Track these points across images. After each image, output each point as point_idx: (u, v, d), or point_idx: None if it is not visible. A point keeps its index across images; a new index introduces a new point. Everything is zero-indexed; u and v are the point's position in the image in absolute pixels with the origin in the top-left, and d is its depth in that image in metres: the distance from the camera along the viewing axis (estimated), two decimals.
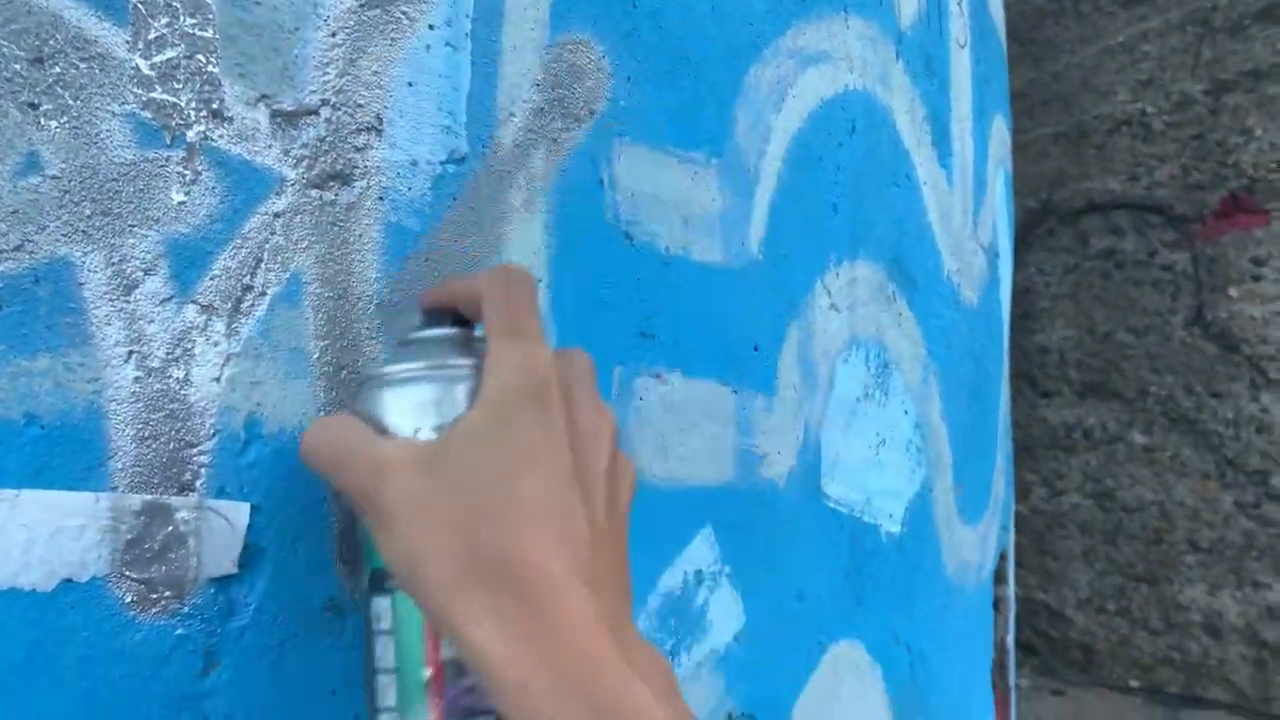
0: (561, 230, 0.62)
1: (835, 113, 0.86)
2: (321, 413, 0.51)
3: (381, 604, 0.42)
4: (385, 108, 0.54)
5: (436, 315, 0.45)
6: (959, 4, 1.13)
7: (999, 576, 1.45)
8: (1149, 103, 3.47)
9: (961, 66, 1.13)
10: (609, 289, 0.64)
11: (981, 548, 1.19)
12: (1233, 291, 3.22)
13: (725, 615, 0.71)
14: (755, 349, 0.76)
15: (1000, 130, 1.36)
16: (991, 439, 1.27)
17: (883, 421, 0.93)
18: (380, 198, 0.54)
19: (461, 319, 0.45)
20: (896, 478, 0.95)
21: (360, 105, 0.53)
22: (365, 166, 0.53)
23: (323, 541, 0.50)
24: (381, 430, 0.42)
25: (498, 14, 0.59)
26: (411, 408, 0.41)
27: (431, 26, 0.56)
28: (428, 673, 0.40)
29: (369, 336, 0.53)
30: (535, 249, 0.60)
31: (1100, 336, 3.49)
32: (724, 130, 0.73)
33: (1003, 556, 1.39)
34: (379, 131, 0.54)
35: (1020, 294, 3.89)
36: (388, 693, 0.41)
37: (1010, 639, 1.46)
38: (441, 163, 0.56)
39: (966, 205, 1.13)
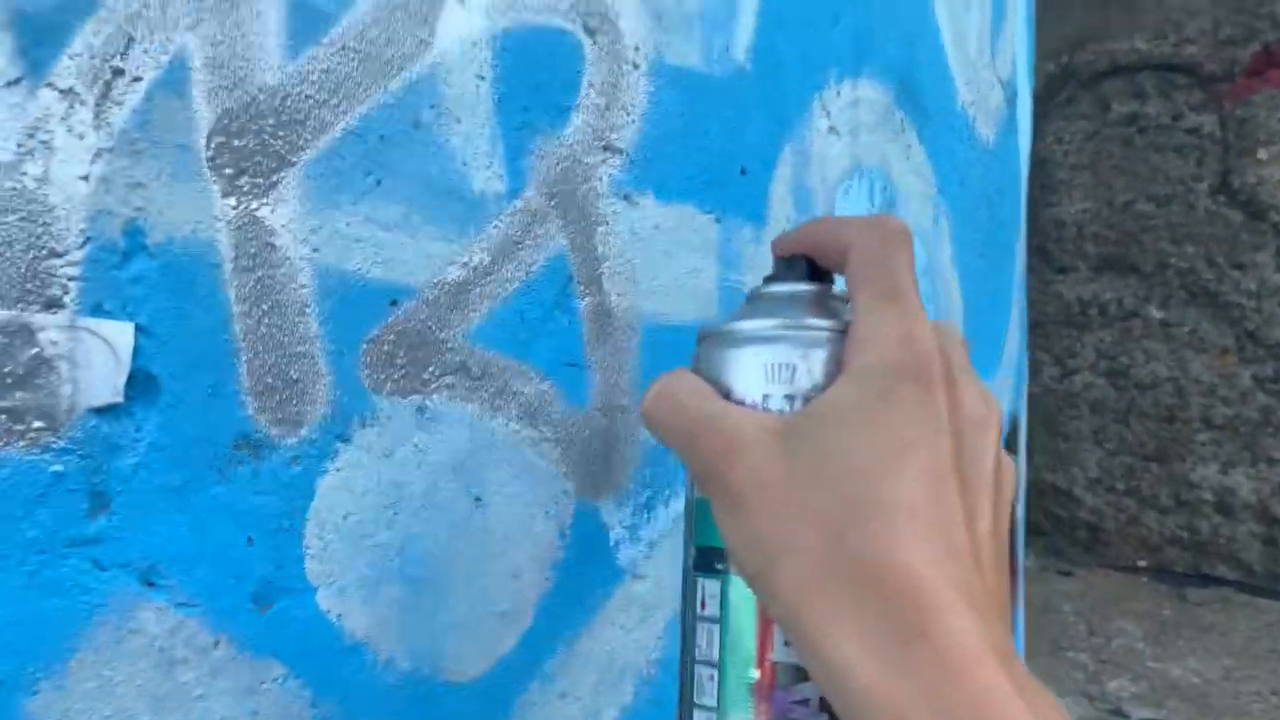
0: (506, 22, 0.54)
1: None
2: (219, 221, 0.44)
3: (710, 586, 0.37)
4: None
5: (792, 265, 0.39)
6: None
7: (1008, 444, 1.40)
8: None
9: None
10: (563, 93, 0.56)
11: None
12: (1262, 154, 3.08)
13: None
14: (742, 171, 0.68)
15: None
16: (1006, 292, 1.20)
17: None
18: None
19: (820, 272, 0.39)
20: None
21: None
22: None
23: (229, 370, 0.44)
24: (728, 395, 0.36)
25: None
26: (763, 371, 0.36)
27: None
28: (756, 674, 0.36)
29: (273, 135, 0.45)
30: (474, 40, 0.52)
31: (1120, 208, 3.37)
32: None
33: (1013, 423, 1.34)
34: None
35: (1037, 165, 3.75)
36: (707, 688, 0.37)
37: (1020, 510, 1.42)
38: None
39: (984, 29, 1.03)
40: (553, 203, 0.56)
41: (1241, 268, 3.14)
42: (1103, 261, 3.41)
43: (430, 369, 0.51)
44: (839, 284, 0.38)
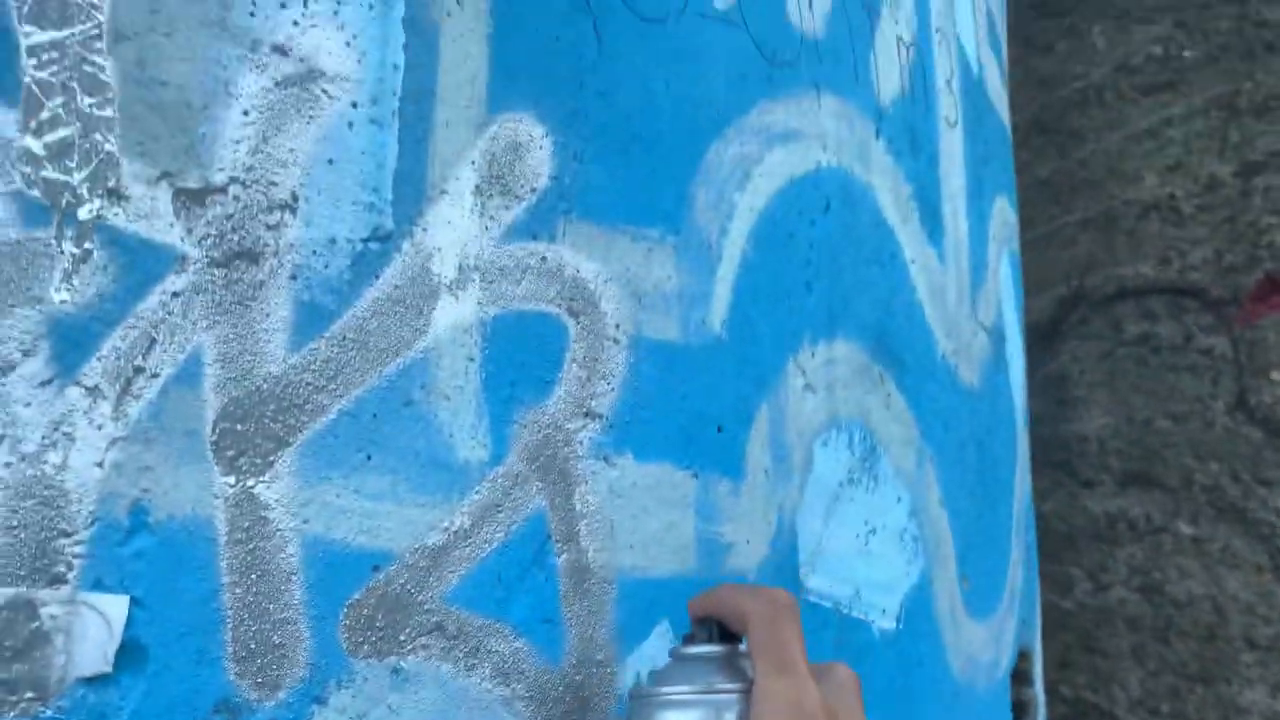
0: (497, 309, 0.59)
1: (807, 190, 0.83)
2: (218, 500, 0.48)
3: None
4: (301, 185, 0.52)
5: (705, 626, 0.50)
6: (948, 83, 1.12)
7: (1021, 677, 1.36)
8: (1177, 186, 3.43)
9: (952, 145, 1.10)
10: (547, 368, 0.61)
11: (995, 644, 1.11)
12: (1275, 375, 3.10)
13: None
14: (719, 430, 0.72)
15: (1003, 211, 1.32)
16: (1005, 527, 1.20)
17: (872, 508, 0.88)
18: (293, 276, 0.52)
19: (728, 632, 0.49)
20: (890, 569, 0.89)
21: (274, 183, 0.51)
22: (277, 245, 0.51)
23: (215, 637, 0.47)
24: None
25: (429, 92, 0.58)
26: None
27: (355, 104, 0.55)
28: None
29: (273, 418, 0.50)
30: (465, 327, 0.58)
31: (1140, 424, 3.37)
32: (681, 208, 0.71)
33: (1024, 655, 1.30)
34: (293, 209, 0.52)
35: (1055, 382, 3.80)
36: None
37: None
38: (364, 240, 0.54)
39: (962, 284, 1.09)
40: (533, 467, 0.60)
41: (1267, 484, 3.09)
42: (1127, 476, 3.37)
43: (407, 630, 0.53)
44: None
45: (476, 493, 0.57)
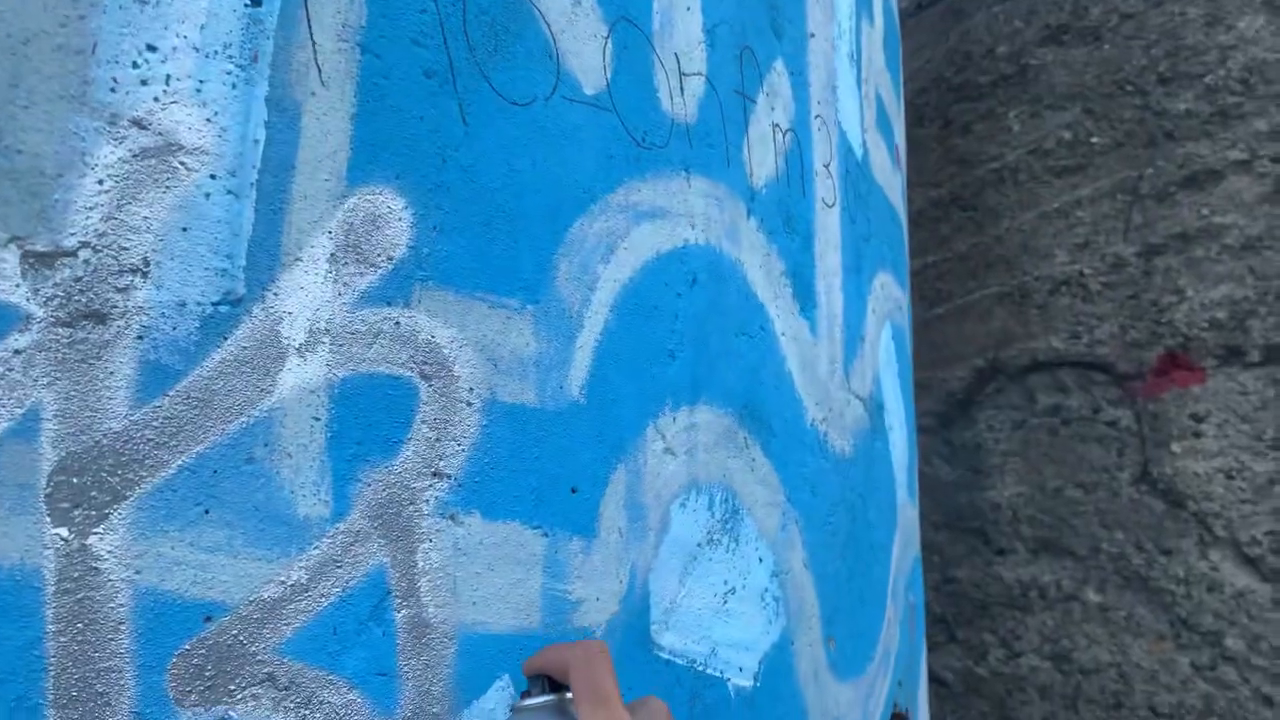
0: (346, 371, 0.63)
1: (673, 265, 0.88)
2: (48, 550, 0.50)
3: None
4: (154, 250, 0.56)
5: (537, 681, 0.57)
6: (827, 166, 1.19)
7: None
8: (1086, 264, 3.62)
9: (829, 224, 1.17)
10: (396, 429, 0.65)
11: (862, 705, 1.15)
12: (1175, 448, 3.24)
13: None
14: (573, 491, 0.75)
15: (886, 287, 1.40)
16: (880, 590, 1.25)
17: (732, 569, 0.92)
18: (140, 336, 0.54)
19: (557, 684, 0.56)
20: (748, 629, 0.93)
21: (125, 248, 0.55)
22: (126, 307, 0.54)
23: (36, 684, 0.49)
24: None
25: (288, 166, 0.62)
26: None
27: (213, 176, 0.59)
28: None
29: (111, 473, 0.52)
30: (313, 388, 0.61)
31: (1051, 493, 3.49)
32: (542, 278, 0.75)
33: (900, 717, 1.34)
34: (144, 273, 0.55)
35: (971, 450, 3.92)
36: None
37: None
38: (214, 304, 0.58)
39: (835, 356, 1.16)
40: (376, 524, 0.63)
41: (1169, 553, 3.21)
42: (1039, 544, 3.47)
43: (238, 680, 0.56)
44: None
45: (315, 548, 0.60)
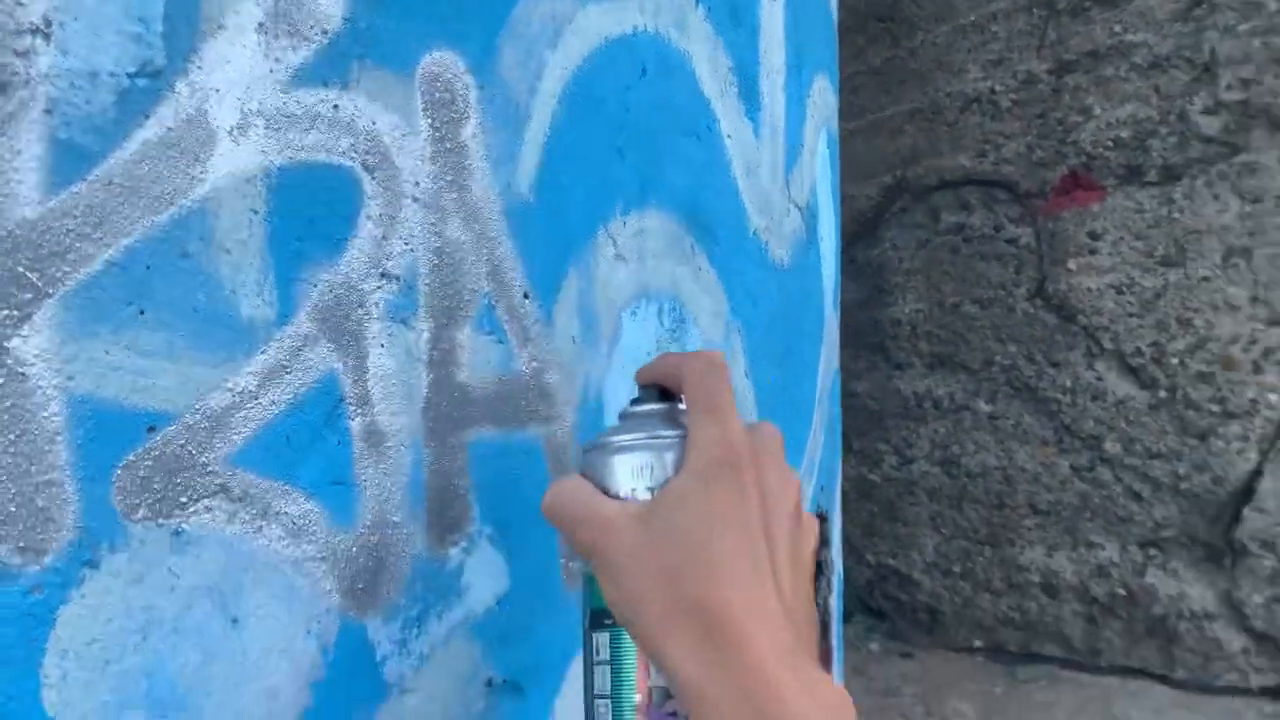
0: (283, 159, 0.57)
1: (622, 53, 0.83)
2: None
3: (601, 638, 0.50)
4: (55, 8, 0.48)
5: (648, 390, 0.55)
6: None
7: (821, 536, 1.47)
8: (998, 81, 3.61)
9: (774, 20, 1.12)
10: (338, 225, 0.60)
11: None
12: (1071, 265, 3.38)
13: (484, 578, 0.68)
14: (525, 295, 0.72)
15: (824, 92, 1.36)
16: (808, 401, 1.28)
17: None
18: (48, 110, 0.48)
19: (668, 393, 0.54)
20: None
21: (21, 4, 0.47)
22: (28, 75, 0.47)
23: None
24: (606, 490, 0.51)
25: None
26: (630, 472, 0.50)
27: None
28: (638, 698, 0.49)
29: (29, 268, 0.47)
30: (248, 177, 0.56)
31: (949, 309, 3.62)
32: (487, 61, 0.69)
33: (822, 518, 1.41)
34: (45, 35, 0.48)
35: (875, 269, 4.00)
36: (605, 715, 0.50)
37: (834, 600, 1.49)
38: (130, 75, 0.51)
39: (777, 161, 1.13)
40: (324, 328, 0.59)
41: (1057, 365, 3.40)
42: (935, 359, 3.63)
43: (188, 493, 0.53)
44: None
45: (263, 352, 0.56)
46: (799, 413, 1.23)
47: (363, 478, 0.62)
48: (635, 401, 0.56)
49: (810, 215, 1.29)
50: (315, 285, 0.59)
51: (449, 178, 0.67)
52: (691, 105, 0.94)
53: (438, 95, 0.66)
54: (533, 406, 0.73)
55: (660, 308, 0.89)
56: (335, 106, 0.60)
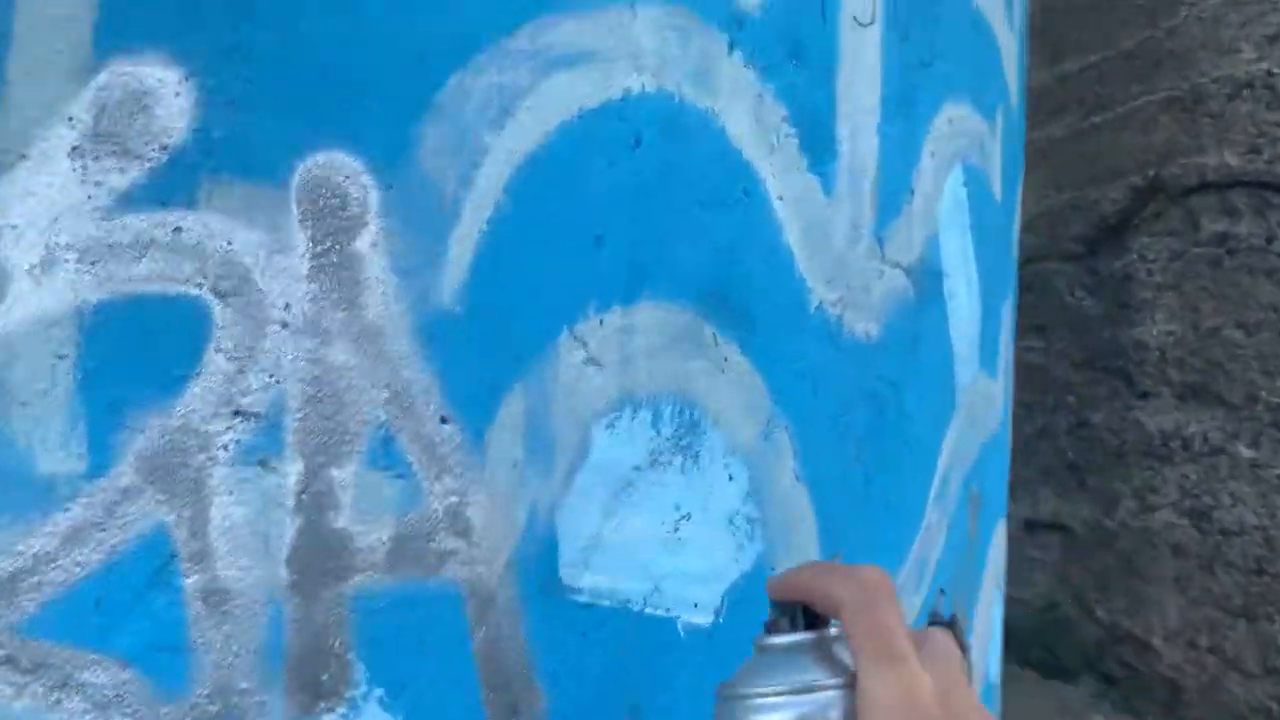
0: (103, 294, 0.52)
1: (604, 124, 0.72)
2: None
3: None
4: None
5: (786, 611, 0.46)
6: None
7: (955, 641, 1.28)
8: (1276, 62, 3.09)
9: (862, 50, 0.96)
10: (178, 360, 0.54)
11: None
12: None
13: None
14: (443, 420, 0.64)
15: (958, 121, 1.17)
16: (916, 492, 1.10)
17: (687, 491, 0.79)
18: None
19: (812, 615, 0.46)
20: (708, 559, 0.81)
21: None
22: None
23: None
24: None
25: (2, 36, 0.49)
26: None
27: None
28: None
29: None
30: (53, 320, 0.51)
31: (1206, 333, 3.14)
32: (398, 156, 0.61)
33: (950, 622, 1.22)
34: None
35: (1119, 282, 3.56)
36: None
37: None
38: None
39: (862, 218, 0.97)
40: (151, 478, 0.53)
41: None
42: (1187, 390, 3.17)
43: None
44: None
45: (66, 510, 0.51)
46: (895, 510, 1.05)
47: (200, 641, 0.55)
48: (771, 627, 0.47)
49: (926, 272, 1.10)
50: (141, 432, 0.53)
51: (334, 296, 0.59)
52: (717, 170, 0.81)
53: (322, 204, 0.59)
54: (446, 547, 0.64)
55: (656, 413, 0.77)
56: (177, 230, 0.54)
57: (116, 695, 0.53)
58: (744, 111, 0.83)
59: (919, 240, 1.08)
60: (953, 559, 1.22)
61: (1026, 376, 4.29)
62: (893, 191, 1.02)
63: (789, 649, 0.45)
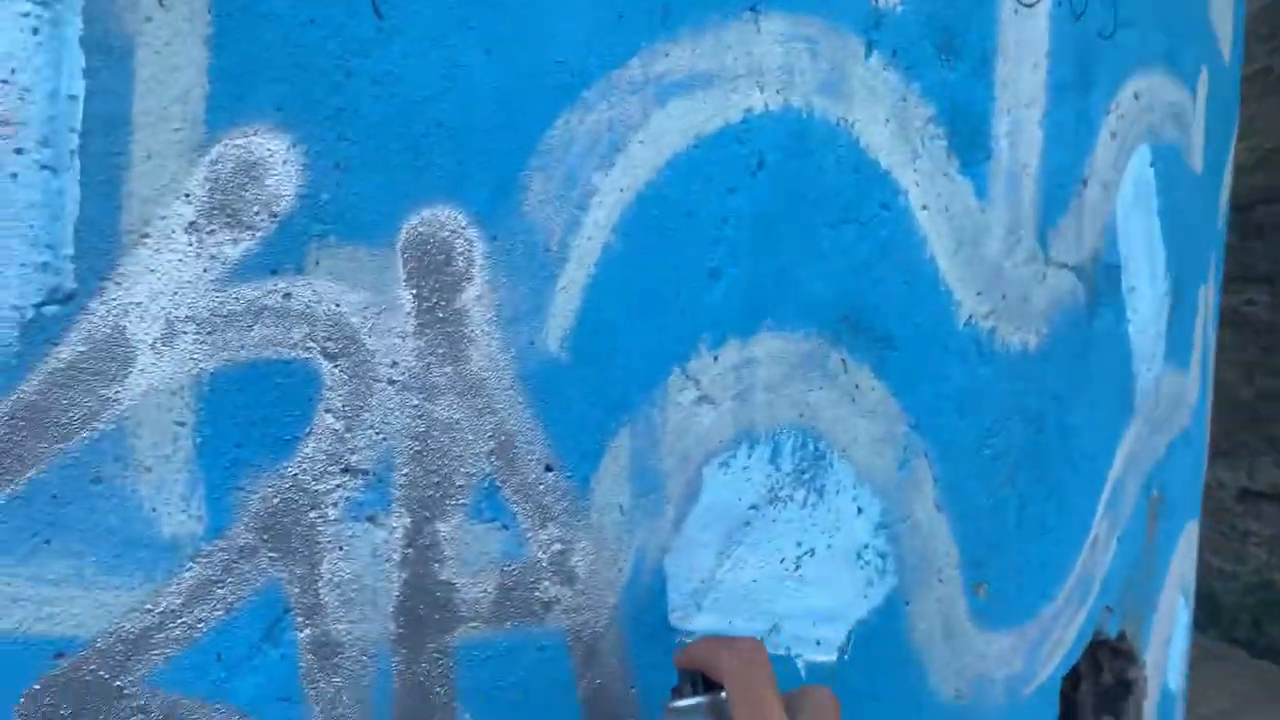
0: (218, 363, 0.55)
1: (723, 150, 0.69)
2: None
3: None
4: None
5: (688, 677, 0.58)
6: None
7: (1125, 655, 1.20)
8: None
9: (1026, 34, 0.87)
10: (290, 423, 0.56)
11: (1031, 651, 0.98)
12: None
13: None
14: (548, 469, 0.64)
15: (1147, 95, 1.05)
16: (1081, 508, 1.03)
17: (809, 527, 0.77)
18: None
19: (712, 681, 0.56)
20: (832, 595, 0.79)
21: None
22: None
23: None
24: None
25: (121, 121, 0.52)
26: None
27: (19, 150, 0.50)
28: None
29: None
30: (173, 389, 0.54)
31: None
32: (502, 206, 0.61)
33: (1118, 644, 1.14)
34: None
35: None
36: None
37: None
38: (36, 306, 0.51)
39: (1022, 219, 0.89)
40: (265, 536, 0.56)
41: None
42: None
43: (101, 716, 0.53)
44: None
45: (188, 570, 0.55)
46: (1053, 531, 0.98)
47: (311, 692, 0.59)
48: (676, 692, 0.57)
49: (1103, 270, 1.01)
50: (255, 492, 0.56)
51: (440, 351, 0.60)
52: (848, 185, 0.76)
53: (427, 260, 0.59)
54: (550, 595, 0.65)
55: (776, 449, 0.74)
56: (286, 295, 0.56)
57: None
58: (882, 118, 0.78)
59: (1092, 234, 0.99)
60: (1124, 571, 1.14)
61: (1248, 333, 3.90)
62: (1059, 185, 0.93)
63: (689, 711, 0.55)
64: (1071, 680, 1.25)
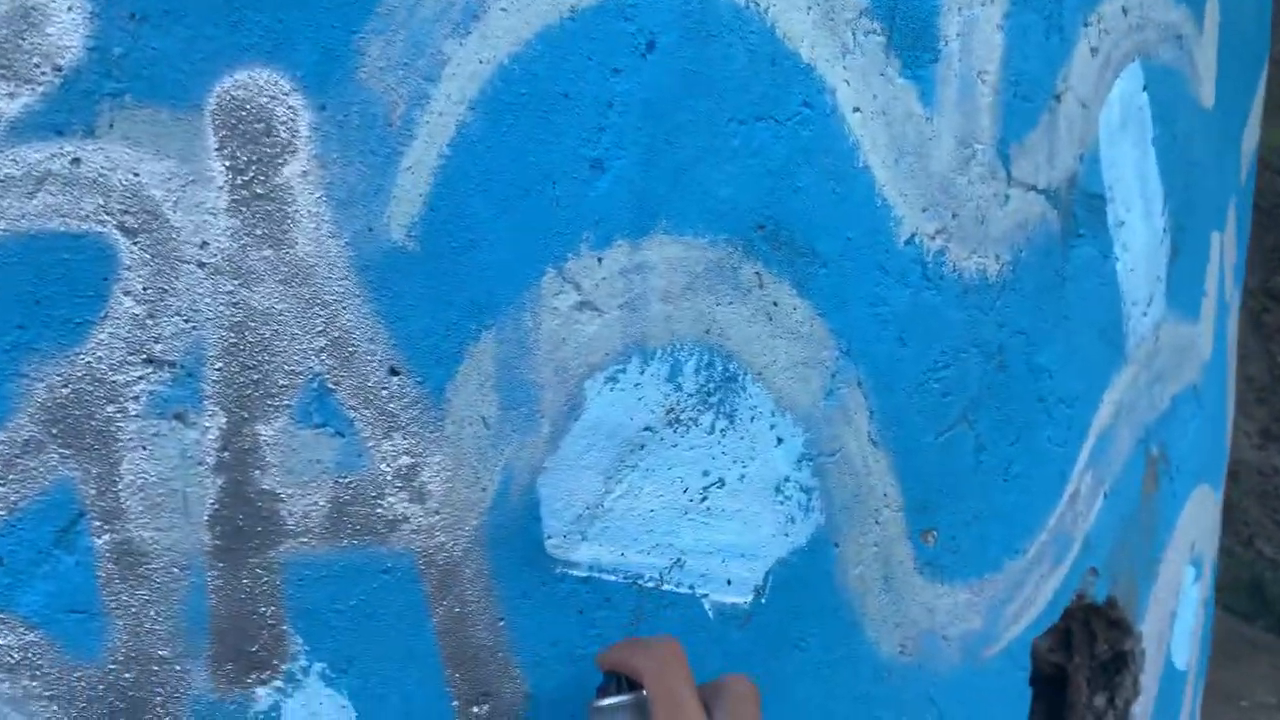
0: (0, 237, 0.49)
1: (605, 26, 0.62)
2: None
3: None
4: None
5: (610, 678, 0.59)
6: None
7: (1119, 625, 1.11)
8: None
9: None
10: (81, 304, 0.51)
11: (993, 609, 0.89)
12: None
13: None
14: (393, 372, 0.58)
15: (1136, 12, 0.96)
16: (1056, 458, 0.94)
17: (718, 455, 0.70)
18: None
19: (633, 682, 0.58)
20: (746, 531, 0.71)
21: None
22: None
23: None
24: None
25: None
26: None
27: None
28: None
29: None
30: None
31: None
32: (333, 72, 0.55)
33: (1106, 609, 1.05)
34: None
35: None
36: None
37: (1135, 707, 1.12)
38: None
39: (976, 131, 0.81)
40: (54, 431, 0.51)
41: None
42: None
43: None
44: None
45: None
46: (1020, 480, 0.90)
47: (113, 604, 0.53)
48: (601, 691, 0.59)
49: (1082, 196, 0.92)
50: (41, 381, 0.51)
51: (259, 232, 0.54)
52: (761, 78, 0.69)
53: (242, 128, 0.53)
54: (396, 513, 0.59)
55: (676, 366, 0.67)
56: (75, 160, 0.51)
57: (24, 658, 0.52)
58: (803, 4, 0.70)
59: (1068, 156, 0.90)
60: (1115, 531, 1.04)
61: None
62: (1024, 97, 0.85)
63: (612, 710, 0.57)
64: (1063, 650, 1.16)
